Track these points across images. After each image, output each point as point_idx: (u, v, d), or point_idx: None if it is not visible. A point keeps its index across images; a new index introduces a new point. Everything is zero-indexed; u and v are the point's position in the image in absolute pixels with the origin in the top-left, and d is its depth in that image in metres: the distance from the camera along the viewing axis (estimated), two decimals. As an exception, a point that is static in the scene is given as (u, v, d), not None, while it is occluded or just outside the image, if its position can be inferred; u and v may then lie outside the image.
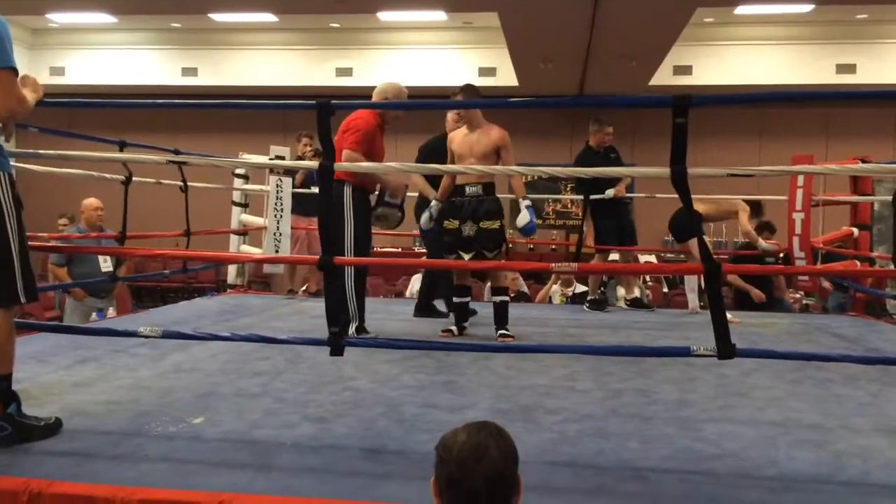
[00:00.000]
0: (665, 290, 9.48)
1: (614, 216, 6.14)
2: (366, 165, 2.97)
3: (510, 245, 5.22)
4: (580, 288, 7.28)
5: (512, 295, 6.94)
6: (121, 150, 4.58)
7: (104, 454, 2.54)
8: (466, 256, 4.62)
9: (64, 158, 2.98)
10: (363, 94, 11.61)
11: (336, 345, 2.79)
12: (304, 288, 7.10)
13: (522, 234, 4.78)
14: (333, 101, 2.74)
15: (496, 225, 4.61)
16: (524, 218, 4.61)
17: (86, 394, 3.28)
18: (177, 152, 4.82)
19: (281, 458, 2.55)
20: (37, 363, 3.78)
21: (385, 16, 10.88)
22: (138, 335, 2.83)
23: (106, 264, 5.69)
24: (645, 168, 2.79)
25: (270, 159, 6.36)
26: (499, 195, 4.82)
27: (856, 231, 6.03)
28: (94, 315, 5.65)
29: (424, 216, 4.85)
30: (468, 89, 4.71)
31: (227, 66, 12.39)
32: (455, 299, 4.91)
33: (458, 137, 4.74)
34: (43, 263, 6.73)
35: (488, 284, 6.14)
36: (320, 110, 2.75)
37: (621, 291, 8.35)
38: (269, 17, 11.09)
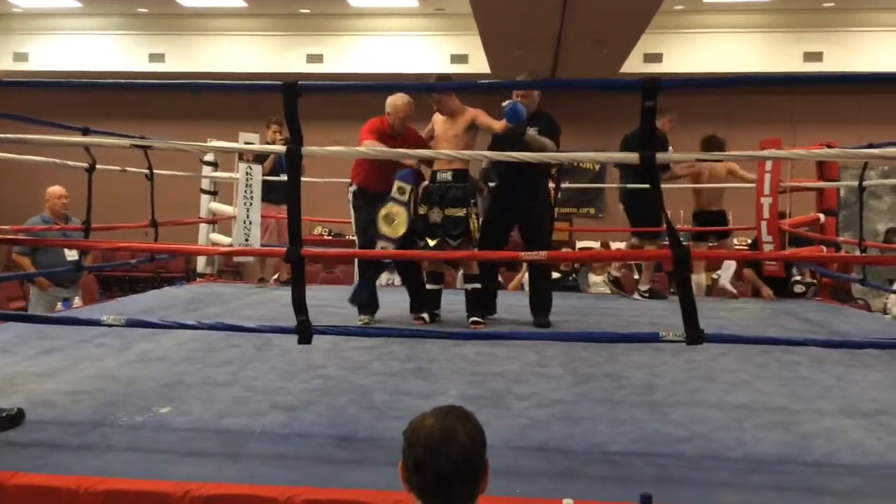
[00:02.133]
0: (636, 276, 9.53)
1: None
2: (334, 150, 2.93)
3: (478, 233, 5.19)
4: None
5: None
6: (84, 136, 4.50)
7: (69, 445, 2.50)
8: (432, 243, 4.60)
9: (20, 142, 2.91)
10: (334, 80, 11.63)
11: (304, 332, 2.76)
12: (275, 277, 7.04)
13: (509, 113, 4.41)
14: (300, 83, 2.70)
15: (461, 213, 4.58)
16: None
17: (50, 384, 3.22)
18: (142, 139, 4.74)
19: (250, 447, 2.53)
20: (0, 353, 3.71)
21: (356, 1, 10.79)
22: (102, 324, 2.78)
23: (71, 253, 5.58)
24: (614, 153, 2.79)
25: (239, 146, 6.28)
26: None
27: (822, 216, 6.11)
28: (59, 305, 5.54)
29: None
30: (442, 78, 4.72)
31: (195, 52, 12.19)
32: (427, 286, 4.89)
33: (437, 123, 4.78)
34: (7, 253, 6.60)
35: (461, 272, 6.12)
36: (287, 92, 2.71)
37: (592, 278, 8.41)
38: (238, 2, 10.93)
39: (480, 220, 4.78)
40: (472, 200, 4.67)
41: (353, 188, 4.87)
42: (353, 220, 4.90)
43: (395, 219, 4.55)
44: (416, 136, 4.81)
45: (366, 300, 4.81)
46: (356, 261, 5.19)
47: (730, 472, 2.39)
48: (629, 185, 5.96)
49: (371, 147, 2.78)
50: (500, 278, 7.59)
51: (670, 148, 5.60)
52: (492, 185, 4.95)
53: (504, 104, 4.47)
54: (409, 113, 4.68)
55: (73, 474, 2.21)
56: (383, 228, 4.55)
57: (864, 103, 12.04)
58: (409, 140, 4.75)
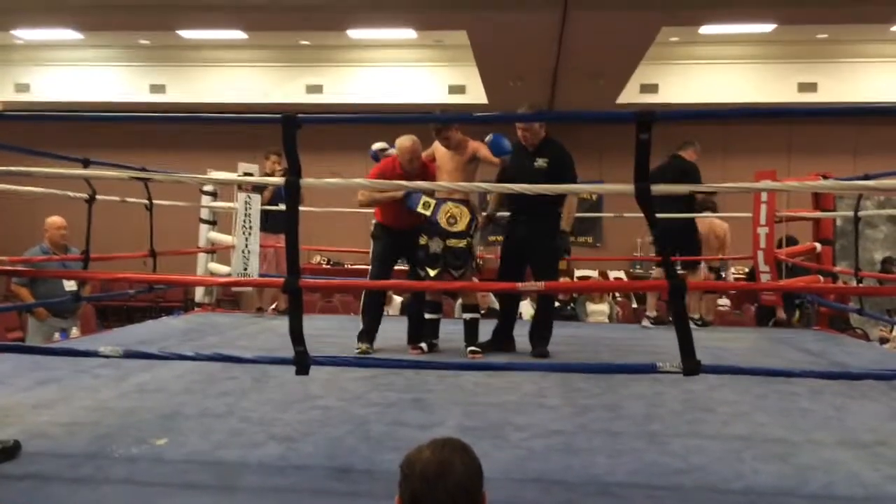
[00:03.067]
0: (634, 305, 9.54)
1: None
2: (332, 182, 2.95)
3: (480, 262, 5.21)
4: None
5: (483, 311, 6.95)
6: (85, 168, 4.53)
7: (63, 477, 2.49)
8: (433, 273, 4.61)
9: (21, 174, 2.93)
10: (333, 111, 11.73)
11: (301, 363, 2.76)
12: (273, 306, 7.04)
13: (493, 146, 4.59)
14: (300, 115, 2.72)
15: (462, 244, 4.61)
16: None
17: (46, 416, 3.21)
18: (143, 170, 4.77)
19: (246, 479, 2.52)
20: (-4, 385, 3.70)
21: (355, 33, 10.89)
22: (99, 355, 2.78)
23: (70, 284, 5.58)
24: (609, 185, 2.81)
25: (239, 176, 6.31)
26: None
27: (818, 246, 6.13)
28: (56, 335, 5.54)
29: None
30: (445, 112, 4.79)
31: (195, 83, 12.30)
32: (426, 315, 4.90)
33: (439, 152, 4.77)
34: (6, 283, 6.59)
35: (459, 301, 6.12)
36: (286, 124, 2.74)
37: (591, 307, 8.42)
38: (238, 35, 11.04)
39: (478, 251, 4.82)
40: (473, 230, 4.69)
41: (374, 221, 5.06)
42: (370, 250, 5.17)
43: (457, 218, 4.62)
44: (432, 170, 4.82)
45: (366, 329, 4.84)
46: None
47: (727, 503, 2.38)
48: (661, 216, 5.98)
49: (368, 180, 2.80)
50: (497, 307, 7.60)
51: None
52: (500, 215, 5.00)
53: (486, 139, 4.55)
54: (417, 152, 4.70)
55: (68, 508, 2.20)
56: (444, 225, 4.61)
57: (860, 133, 12.14)
58: (427, 176, 4.77)
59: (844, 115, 11.04)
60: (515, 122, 4.75)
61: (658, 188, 2.68)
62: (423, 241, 4.68)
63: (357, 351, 4.72)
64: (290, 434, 3.00)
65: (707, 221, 6.62)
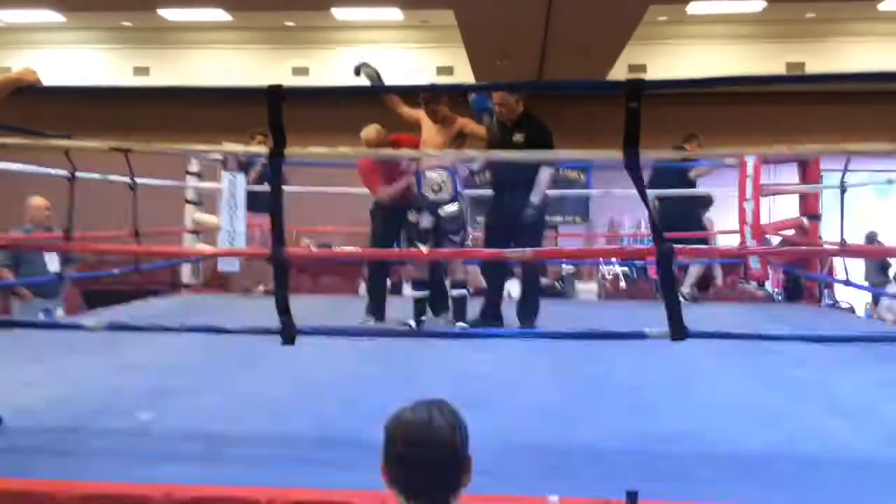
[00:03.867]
0: (623, 284, 9.55)
1: None
2: (318, 151, 2.91)
3: (469, 241, 5.21)
4: None
5: (472, 291, 6.93)
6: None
7: (47, 450, 2.47)
8: (425, 249, 4.59)
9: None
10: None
11: (287, 333, 2.73)
12: (260, 287, 6.99)
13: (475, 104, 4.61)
14: (285, 88, 2.68)
15: (454, 208, 4.60)
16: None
17: (32, 392, 3.17)
18: (127, 150, 4.70)
19: (232, 451, 2.50)
20: (-20, 364, 3.66)
21: (341, 14, 10.79)
22: (83, 328, 2.74)
23: (53, 264, 5.51)
24: (597, 151, 2.79)
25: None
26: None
27: (805, 220, 6.15)
28: (40, 315, 5.47)
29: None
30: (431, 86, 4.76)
31: (180, 65, 12.17)
32: (414, 292, 4.88)
33: (427, 126, 4.67)
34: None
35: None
36: (271, 97, 2.70)
37: (579, 286, 8.43)
38: (223, 16, 10.92)
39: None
40: (460, 193, 4.67)
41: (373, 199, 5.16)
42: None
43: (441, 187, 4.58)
44: (414, 143, 4.77)
45: (375, 305, 4.96)
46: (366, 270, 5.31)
47: (716, 469, 2.38)
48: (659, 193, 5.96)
49: (353, 149, 2.78)
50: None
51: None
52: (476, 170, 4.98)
53: (470, 97, 4.58)
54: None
55: (50, 479, 2.17)
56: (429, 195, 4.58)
57: (846, 114, 12.16)
58: (408, 146, 4.79)
59: (831, 82, 10.94)
60: (495, 92, 4.68)
61: (649, 154, 2.66)
62: (412, 218, 4.66)
63: (360, 321, 4.78)
64: (277, 408, 2.99)
65: None
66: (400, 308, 5.06)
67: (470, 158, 2.99)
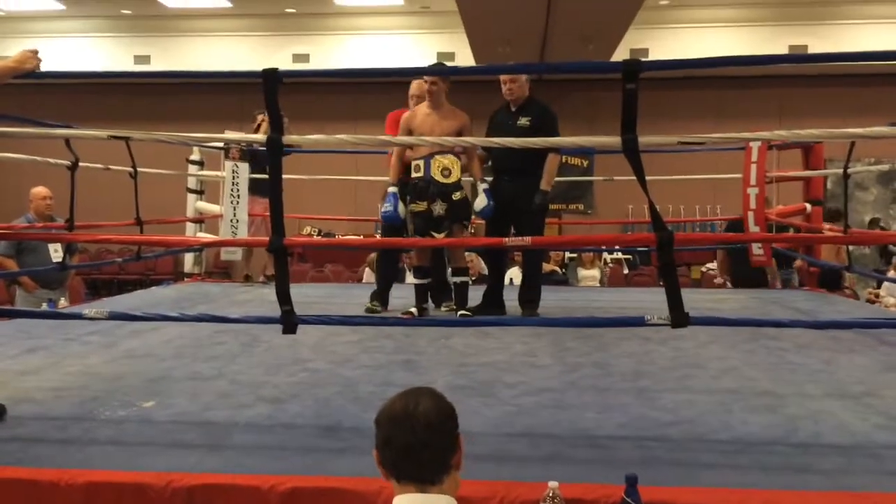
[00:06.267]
0: (626, 271, 9.56)
1: None
2: (313, 139, 2.91)
3: (472, 229, 5.21)
4: None
5: (473, 277, 6.93)
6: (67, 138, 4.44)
7: (50, 438, 2.48)
8: (440, 236, 4.55)
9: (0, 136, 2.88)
10: (321, 80, 11.61)
11: (289, 323, 2.74)
12: (262, 276, 6.99)
13: (481, 216, 4.76)
14: (281, 71, 2.67)
15: (463, 195, 4.59)
16: (482, 201, 4.59)
17: (34, 381, 3.19)
18: (127, 139, 4.68)
19: (233, 438, 2.51)
20: (-17, 353, 3.68)
21: (341, 0, 10.76)
22: (84, 317, 2.75)
23: (56, 254, 5.52)
24: (596, 137, 2.78)
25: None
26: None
27: (808, 206, 6.12)
28: (44, 305, 5.48)
29: (387, 206, 4.62)
30: (439, 65, 4.70)
31: (180, 53, 12.15)
32: (415, 280, 4.88)
33: (420, 115, 4.61)
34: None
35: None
36: (267, 79, 2.69)
37: (582, 273, 8.42)
38: (223, 3, 10.89)
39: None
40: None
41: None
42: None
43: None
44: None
45: (379, 289, 4.98)
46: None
47: (716, 453, 2.39)
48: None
49: (356, 136, 2.77)
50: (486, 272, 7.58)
51: None
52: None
53: (479, 211, 4.64)
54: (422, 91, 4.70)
55: (54, 467, 2.18)
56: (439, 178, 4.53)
57: (850, 96, 12.11)
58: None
59: (834, 61, 10.88)
60: (501, 75, 4.67)
61: (646, 140, 2.65)
62: (418, 207, 4.57)
63: (366, 308, 4.80)
64: (278, 395, 2.99)
65: None
66: (402, 295, 5.06)
67: (472, 144, 2.97)
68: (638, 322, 2.67)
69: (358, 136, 2.63)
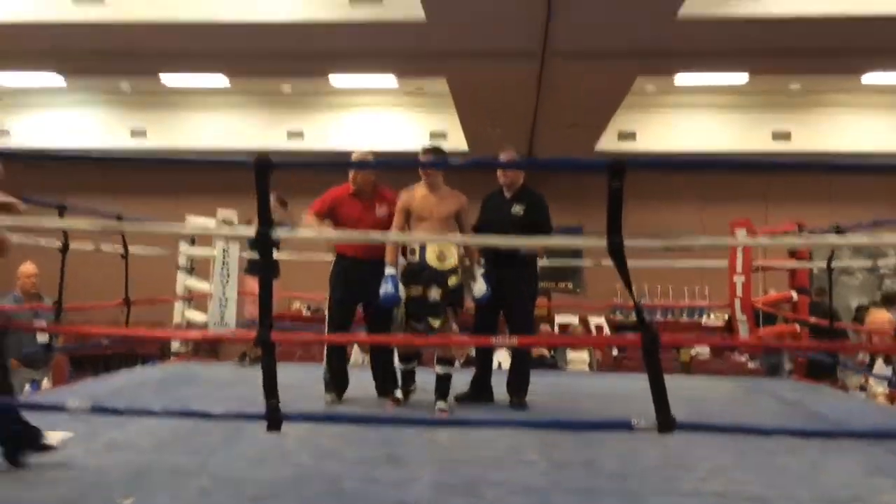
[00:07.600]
0: (615, 353, 9.54)
1: None
2: (306, 233, 2.94)
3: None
4: None
5: (461, 361, 6.91)
6: (60, 216, 4.47)
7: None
8: (436, 323, 4.44)
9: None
10: (314, 157, 11.77)
11: (273, 419, 2.71)
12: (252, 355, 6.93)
13: (479, 302, 4.72)
14: (272, 157, 2.70)
15: (458, 281, 4.55)
16: (481, 288, 4.59)
17: (7, 475, 3.12)
18: (119, 217, 4.74)
19: (213, 543, 2.45)
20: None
21: (337, 80, 10.99)
22: (65, 409, 2.71)
23: (42, 336, 5.48)
24: (583, 239, 2.82)
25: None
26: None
27: (794, 294, 6.17)
28: (27, 387, 5.42)
29: (388, 287, 4.43)
30: (435, 151, 4.71)
31: (177, 128, 12.33)
32: (401, 365, 4.85)
33: (418, 197, 4.60)
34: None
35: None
36: (258, 167, 2.72)
37: (571, 355, 8.40)
38: (220, 81, 11.10)
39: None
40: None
41: (334, 255, 4.79)
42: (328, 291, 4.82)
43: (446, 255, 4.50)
44: (392, 199, 4.73)
45: (331, 378, 4.79)
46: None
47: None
48: None
49: (343, 232, 2.80)
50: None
51: None
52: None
53: (478, 298, 4.64)
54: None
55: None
56: (435, 264, 4.46)
57: (835, 181, 12.35)
58: (391, 214, 4.66)
59: (817, 170, 11.14)
60: (505, 156, 4.81)
61: (631, 244, 2.69)
62: (415, 291, 4.51)
63: (325, 402, 4.67)
64: (259, 493, 2.94)
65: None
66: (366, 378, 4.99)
67: (465, 243, 3.00)
68: (625, 426, 2.66)
69: (346, 232, 2.65)
